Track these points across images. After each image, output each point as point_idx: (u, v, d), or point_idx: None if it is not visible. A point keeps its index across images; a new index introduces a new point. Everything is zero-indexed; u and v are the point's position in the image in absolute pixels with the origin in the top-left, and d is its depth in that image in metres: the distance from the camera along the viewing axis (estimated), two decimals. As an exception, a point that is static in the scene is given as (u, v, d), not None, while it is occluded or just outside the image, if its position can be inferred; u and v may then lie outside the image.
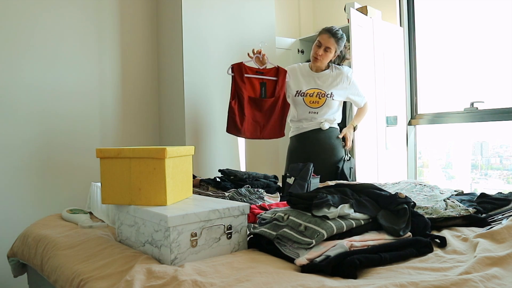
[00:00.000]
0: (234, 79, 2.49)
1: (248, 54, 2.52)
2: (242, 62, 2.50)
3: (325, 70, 2.56)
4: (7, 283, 2.32)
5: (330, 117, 2.55)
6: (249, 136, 2.56)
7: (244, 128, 2.49)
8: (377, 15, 3.27)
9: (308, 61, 2.67)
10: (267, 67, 2.55)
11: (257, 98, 2.51)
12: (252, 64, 2.52)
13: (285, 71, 2.54)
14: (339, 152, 2.55)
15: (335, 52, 2.49)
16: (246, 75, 2.49)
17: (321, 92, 2.51)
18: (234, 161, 2.96)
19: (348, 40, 3.00)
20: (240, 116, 2.48)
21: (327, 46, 2.45)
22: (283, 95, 2.54)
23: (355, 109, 2.92)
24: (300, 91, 2.52)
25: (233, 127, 2.50)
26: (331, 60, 2.55)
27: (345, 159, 2.53)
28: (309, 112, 2.52)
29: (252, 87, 2.51)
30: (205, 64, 2.85)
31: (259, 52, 2.50)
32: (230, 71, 2.49)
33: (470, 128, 3.40)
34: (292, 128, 2.65)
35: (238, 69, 2.48)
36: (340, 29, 2.49)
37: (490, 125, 3.24)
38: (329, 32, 2.45)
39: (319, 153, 2.51)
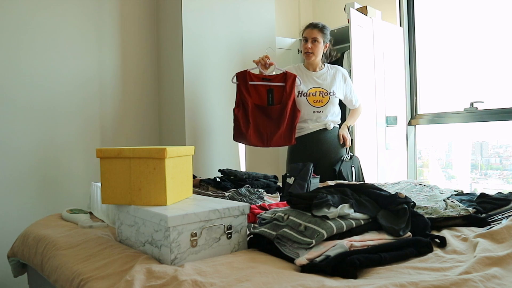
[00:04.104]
0: (238, 87, 2.47)
1: (254, 60, 2.48)
2: (247, 70, 2.47)
3: (322, 69, 2.59)
4: (7, 283, 2.32)
5: (335, 118, 2.57)
6: (255, 144, 2.51)
7: (250, 136, 2.47)
8: (377, 15, 3.27)
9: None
10: (275, 73, 2.49)
11: (264, 105, 2.45)
12: (258, 70, 2.48)
13: (294, 76, 2.46)
14: (343, 151, 2.58)
15: (324, 42, 2.55)
16: (251, 82, 2.45)
17: (323, 91, 2.52)
18: (234, 161, 2.96)
19: (348, 40, 3.01)
20: (245, 124, 2.46)
21: (313, 37, 2.51)
22: (291, 101, 2.44)
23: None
24: (302, 91, 2.52)
25: (239, 135, 2.50)
26: (323, 57, 2.59)
27: (345, 159, 2.53)
28: (314, 112, 2.52)
29: (258, 95, 2.46)
30: (205, 64, 2.85)
31: (268, 58, 2.43)
32: (234, 80, 2.47)
33: (470, 128, 3.40)
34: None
35: (242, 77, 2.46)
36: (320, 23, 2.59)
37: (490, 125, 3.24)
38: (310, 25, 2.55)
39: (326, 152, 2.52)
